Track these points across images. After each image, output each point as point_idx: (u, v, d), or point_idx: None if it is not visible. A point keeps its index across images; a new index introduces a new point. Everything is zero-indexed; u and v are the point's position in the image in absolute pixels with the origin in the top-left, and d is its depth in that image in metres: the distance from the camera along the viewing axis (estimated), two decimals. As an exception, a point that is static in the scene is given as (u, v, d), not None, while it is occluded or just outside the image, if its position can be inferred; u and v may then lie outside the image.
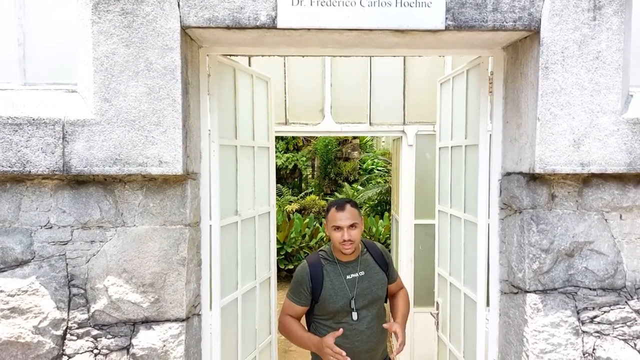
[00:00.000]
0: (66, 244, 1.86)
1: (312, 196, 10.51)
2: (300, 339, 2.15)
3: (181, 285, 1.88)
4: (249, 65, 3.63)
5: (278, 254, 7.43)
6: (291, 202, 10.17)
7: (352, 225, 2.10)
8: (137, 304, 1.86)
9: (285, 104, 4.09)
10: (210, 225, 2.12)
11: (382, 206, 8.86)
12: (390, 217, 5.40)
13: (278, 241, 7.57)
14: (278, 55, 2.26)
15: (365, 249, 2.28)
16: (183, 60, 1.81)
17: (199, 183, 2.05)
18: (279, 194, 10.64)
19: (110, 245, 1.86)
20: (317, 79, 4.10)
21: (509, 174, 2.06)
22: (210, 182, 2.12)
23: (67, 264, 1.85)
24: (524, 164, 1.92)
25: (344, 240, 2.09)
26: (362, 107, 4.15)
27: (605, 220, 1.91)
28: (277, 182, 11.22)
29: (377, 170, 11.01)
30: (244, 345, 2.47)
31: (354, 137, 12.08)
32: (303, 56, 2.34)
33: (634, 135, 1.83)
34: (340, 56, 2.23)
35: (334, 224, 2.12)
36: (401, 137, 4.18)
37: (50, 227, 1.85)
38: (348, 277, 2.17)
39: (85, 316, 1.85)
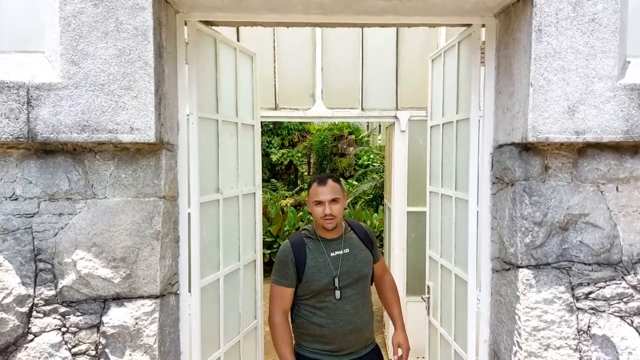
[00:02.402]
0: (32, 216, 1.75)
1: (307, 192, 10.40)
2: (280, 352, 2.08)
3: (155, 260, 1.78)
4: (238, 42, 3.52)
5: (271, 246, 7.32)
6: (286, 197, 10.07)
7: (333, 200, 2.04)
8: (107, 279, 1.76)
9: (275, 89, 3.99)
10: (189, 201, 2.02)
11: (377, 200, 8.78)
12: (384, 206, 5.31)
13: (271, 234, 7.47)
14: (261, 24, 2.16)
15: (349, 227, 2.21)
16: (156, 22, 1.71)
17: (176, 155, 1.95)
18: (274, 190, 10.54)
19: (80, 218, 1.76)
20: (307, 63, 3.99)
21: (500, 146, 1.96)
22: (189, 155, 2.02)
23: (33, 238, 1.75)
24: (516, 134, 1.83)
25: (325, 215, 2.02)
26: (354, 92, 4.05)
27: (601, 192, 1.82)
28: (272, 178, 11.18)
29: (373, 165, 10.92)
30: (227, 329, 2.37)
31: (350, 133, 11.98)
32: (287, 26, 2.24)
33: (632, 102, 1.73)
34: (326, 24, 2.13)
35: (316, 198, 2.05)
36: (394, 122, 4.09)
37: (16, 199, 1.75)
38: (332, 254, 2.08)
39: (53, 292, 1.75)
